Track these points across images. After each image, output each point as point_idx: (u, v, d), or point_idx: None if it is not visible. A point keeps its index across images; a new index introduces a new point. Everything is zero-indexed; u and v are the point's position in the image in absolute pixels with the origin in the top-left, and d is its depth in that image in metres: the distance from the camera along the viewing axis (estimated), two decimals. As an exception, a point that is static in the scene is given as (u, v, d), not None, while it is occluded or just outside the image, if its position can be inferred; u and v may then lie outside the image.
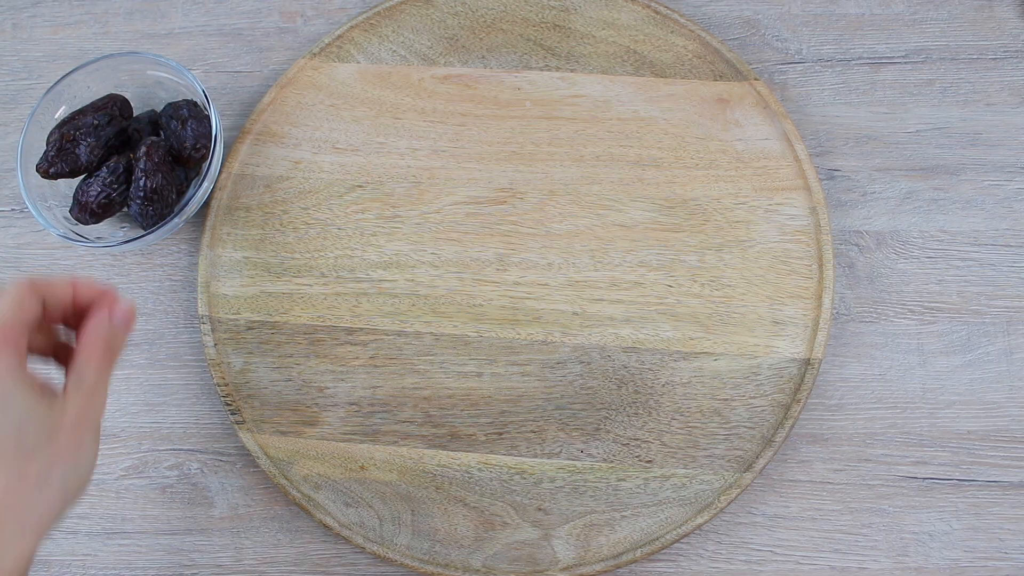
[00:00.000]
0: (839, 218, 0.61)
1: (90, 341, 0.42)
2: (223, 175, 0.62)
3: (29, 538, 0.39)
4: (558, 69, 0.64)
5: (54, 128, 0.58)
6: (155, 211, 0.58)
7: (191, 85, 0.59)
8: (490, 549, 0.54)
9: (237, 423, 0.57)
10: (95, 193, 0.57)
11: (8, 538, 0.38)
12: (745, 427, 0.56)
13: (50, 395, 0.40)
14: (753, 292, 0.58)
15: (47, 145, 0.58)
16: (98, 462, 0.57)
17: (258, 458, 0.56)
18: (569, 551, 0.54)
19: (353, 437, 0.57)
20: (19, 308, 0.41)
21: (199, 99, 0.60)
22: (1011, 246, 0.60)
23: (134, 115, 0.61)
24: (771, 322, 0.57)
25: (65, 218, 0.59)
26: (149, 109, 0.62)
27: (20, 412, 0.39)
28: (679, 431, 0.56)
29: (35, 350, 0.43)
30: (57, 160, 0.57)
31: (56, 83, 0.60)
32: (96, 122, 0.58)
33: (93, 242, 0.58)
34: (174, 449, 0.58)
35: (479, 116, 0.63)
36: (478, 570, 0.54)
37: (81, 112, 0.59)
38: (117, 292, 0.44)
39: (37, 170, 0.58)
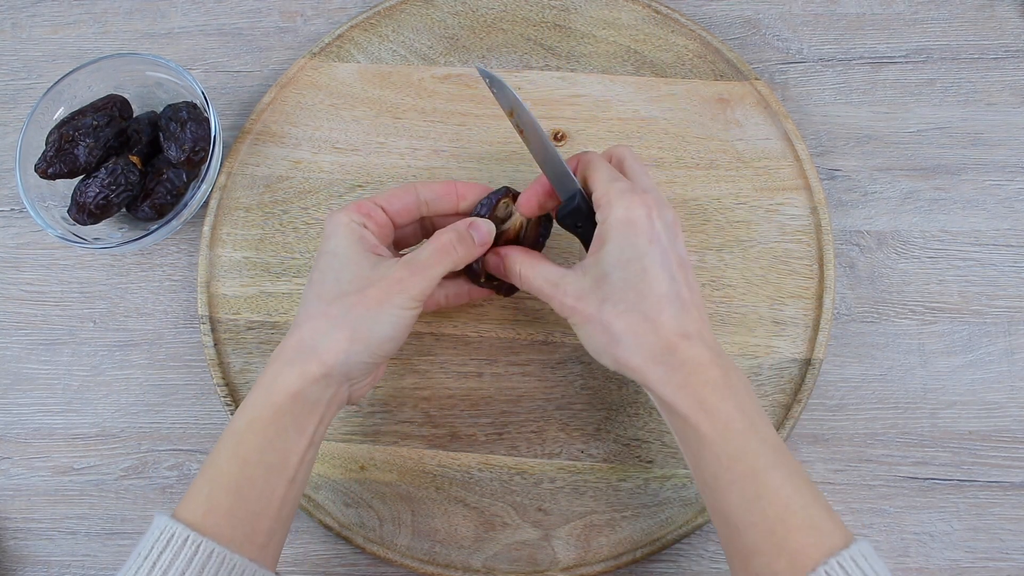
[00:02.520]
0: (840, 218, 0.61)
1: (440, 234, 0.48)
2: (223, 175, 0.62)
3: (315, 363, 0.45)
4: (558, 69, 0.64)
5: (53, 128, 0.58)
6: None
7: (190, 86, 0.59)
8: (490, 549, 0.54)
9: (237, 423, 0.57)
10: (93, 194, 0.57)
11: (299, 357, 0.45)
12: (746, 427, 0.55)
13: (381, 258, 0.47)
14: (754, 292, 0.58)
15: (46, 145, 0.58)
16: (93, 463, 0.57)
17: (258, 458, 0.56)
18: (569, 551, 0.54)
19: (353, 437, 0.57)
20: (388, 195, 0.50)
21: (198, 100, 0.60)
22: (1012, 246, 0.60)
23: (134, 115, 0.61)
24: (772, 322, 0.57)
25: (63, 218, 0.59)
26: (149, 110, 0.62)
27: (345, 261, 0.47)
28: (679, 431, 0.56)
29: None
30: (55, 160, 0.57)
31: (55, 83, 0.60)
32: (95, 123, 0.58)
33: (91, 243, 0.58)
34: (174, 449, 0.58)
35: (479, 116, 0.63)
36: (478, 570, 0.54)
37: (80, 112, 0.59)
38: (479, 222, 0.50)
39: (36, 170, 0.58)
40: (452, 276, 0.51)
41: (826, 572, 0.38)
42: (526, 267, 0.48)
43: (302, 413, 0.45)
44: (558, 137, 0.62)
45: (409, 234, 0.53)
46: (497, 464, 0.56)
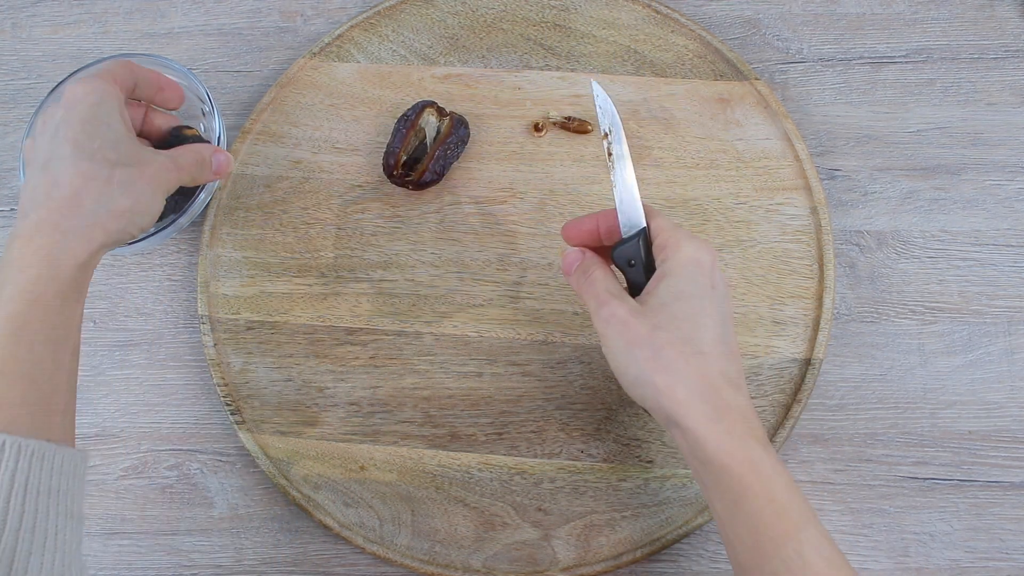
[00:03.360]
0: (840, 218, 0.61)
1: (201, 149, 0.53)
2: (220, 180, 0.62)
3: (98, 232, 0.45)
4: (558, 69, 0.64)
5: None
6: None
7: (194, 86, 0.59)
8: (490, 549, 0.54)
9: (237, 423, 0.57)
10: None
11: (81, 224, 0.45)
12: (746, 427, 0.55)
13: (140, 139, 0.51)
14: (754, 292, 0.58)
15: None
16: (93, 463, 0.57)
17: (258, 458, 0.56)
18: (569, 551, 0.54)
19: (353, 437, 0.57)
20: (123, 71, 0.50)
21: (203, 100, 0.60)
22: (1012, 246, 0.60)
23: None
24: (772, 322, 0.57)
25: None
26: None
27: (117, 132, 0.47)
28: (679, 431, 0.56)
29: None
30: None
31: (58, 84, 0.60)
32: None
33: None
34: (174, 449, 0.58)
35: (479, 116, 0.63)
36: (478, 570, 0.54)
37: None
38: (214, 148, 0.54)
39: None
40: None
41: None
42: (599, 269, 0.47)
43: (83, 282, 0.45)
44: (586, 130, 0.62)
45: None
46: (497, 464, 0.56)
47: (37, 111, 0.58)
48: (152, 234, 0.57)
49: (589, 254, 0.48)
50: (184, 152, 0.52)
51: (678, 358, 0.42)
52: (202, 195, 0.58)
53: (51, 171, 0.46)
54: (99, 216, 0.45)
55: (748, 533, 0.41)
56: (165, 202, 0.50)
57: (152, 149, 0.50)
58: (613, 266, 0.48)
